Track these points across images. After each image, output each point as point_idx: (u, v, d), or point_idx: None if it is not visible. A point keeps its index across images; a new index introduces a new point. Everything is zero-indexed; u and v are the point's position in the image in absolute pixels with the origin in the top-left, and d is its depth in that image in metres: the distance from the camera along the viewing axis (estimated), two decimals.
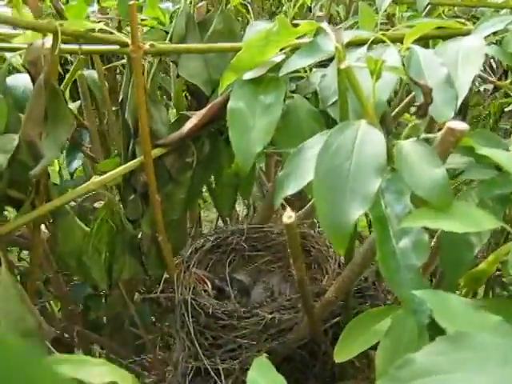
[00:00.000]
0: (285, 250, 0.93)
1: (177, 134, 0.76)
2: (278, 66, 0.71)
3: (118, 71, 1.26)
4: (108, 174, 0.73)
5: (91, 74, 1.01)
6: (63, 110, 0.69)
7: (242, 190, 0.85)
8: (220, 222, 1.14)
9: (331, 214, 0.45)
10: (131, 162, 0.74)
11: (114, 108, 1.15)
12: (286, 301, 0.79)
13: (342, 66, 0.50)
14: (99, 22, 1.00)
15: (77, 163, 1.13)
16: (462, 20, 0.84)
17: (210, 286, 0.83)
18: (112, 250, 0.80)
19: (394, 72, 0.52)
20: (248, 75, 0.69)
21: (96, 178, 0.72)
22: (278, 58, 0.70)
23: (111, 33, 0.69)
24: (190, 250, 0.88)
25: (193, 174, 0.79)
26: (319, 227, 0.95)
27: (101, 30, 0.68)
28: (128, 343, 0.92)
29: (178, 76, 0.85)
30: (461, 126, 0.50)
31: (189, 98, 1.00)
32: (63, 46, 0.70)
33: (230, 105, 0.67)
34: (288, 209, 0.48)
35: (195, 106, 0.93)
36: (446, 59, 0.58)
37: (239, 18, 1.10)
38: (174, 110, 1.05)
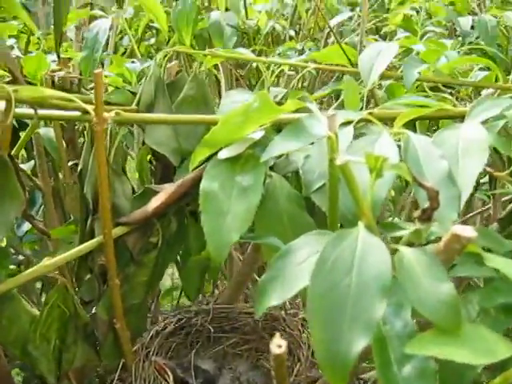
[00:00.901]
0: (253, 331, 0.86)
1: (141, 212, 0.68)
2: (256, 143, 0.65)
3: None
4: (62, 257, 0.65)
5: (47, 132, 0.93)
6: (13, 185, 0.61)
7: (211, 271, 0.77)
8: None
9: (328, 343, 0.38)
10: (89, 243, 0.66)
11: (70, 163, 1.08)
12: None
13: (339, 162, 0.44)
14: (59, 78, 0.93)
15: (27, 226, 1.04)
16: (447, 96, 0.81)
17: (171, 377, 0.75)
18: (63, 337, 0.71)
19: (395, 170, 0.46)
20: (224, 153, 0.62)
21: (48, 260, 0.64)
22: (257, 135, 0.64)
23: (71, 100, 0.62)
24: (150, 334, 0.79)
25: (157, 254, 0.71)
26: (290, 308, 0.88)
27: (60, 98, 0.60)
28: None
29: (143, 144, 0.78)
30: (467, 232, 0.44)
31: (153, 162, 0.94)
32: (17, 111, 0.62)
33: (202, 186, 0.61)
34: (277, 335, 0.41)
35: (160, 174, 0.86)
36: (444, 151, 0.53)
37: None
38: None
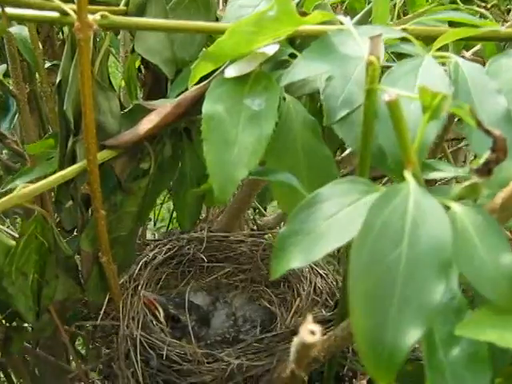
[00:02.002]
0: (250, 261, 0.79)
1: (130, 134, 0.59)
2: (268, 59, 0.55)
3: None
4: (37, 185, 0.56)
5: (20, 31, 0.81)
6: None
7: (208, 197, 0.69)
8: None
9: (371, 331, 0.31)
10: (70, 169, 0.57)
11: (47, 65, 0.96)
12: (256, 342, 0.65)
13: (388, 98, 0.35)
14: None
15: None
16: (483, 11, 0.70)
17: (162, 314, 0.69)
18: (42, 271, 0.63)
19: (456, 112, 0.37)
20: (231, 71, 0.52)
21: (23, 189, 0.55)
22: (271, 49, 0.54)
23: None
24: (138, 265, 0.72)
25: (148, 182, 0.62)
26: None
27: None
28: (59, 376, 0.77)
29: (132, 51, 0.67)
30: None
31: (142, 71, 0.83)
32: None
33: (205, 109, 0.51)
34: (309, 318, 0.33)
35: (150, 84, 0.76)
36: (501, 84, 0.44)
37: None
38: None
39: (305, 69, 0.46)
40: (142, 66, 0.80)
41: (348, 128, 0.51)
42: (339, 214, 0.38)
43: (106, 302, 0.69)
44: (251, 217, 0.82)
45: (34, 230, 0.60)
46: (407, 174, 0.36)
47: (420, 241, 0.32)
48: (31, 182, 0.87)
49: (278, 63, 0.58)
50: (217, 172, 0.49)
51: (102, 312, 0.68)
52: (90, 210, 0.63)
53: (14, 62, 0.85)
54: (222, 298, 0.78)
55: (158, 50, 0.66)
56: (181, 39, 0.67)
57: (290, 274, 0.78)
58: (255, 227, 0.82)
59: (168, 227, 1.04)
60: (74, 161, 0.60)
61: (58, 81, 0.60)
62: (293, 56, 0.57)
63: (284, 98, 0.54)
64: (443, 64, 0.49)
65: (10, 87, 0.88)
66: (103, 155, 0.58)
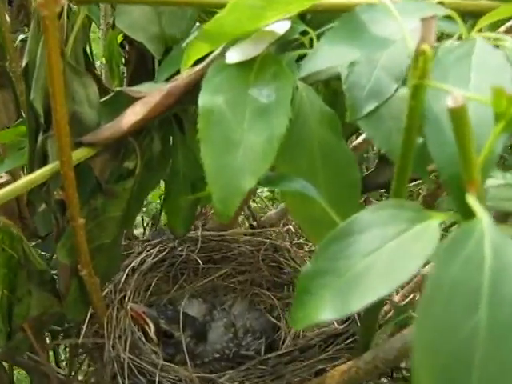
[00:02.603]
0: (249, 262, 0.71)
1: (112, 129, 0.49)
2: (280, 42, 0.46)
3: None
4: (3, 191, 0.46)
5: None
6: None
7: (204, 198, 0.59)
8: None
9: None
10: (40, 172, 0.47)
11: (21, 38, 0.86)
12: (260, 363, 0.57)
13: (453, 103, 0.26)
14: None
15: None
16: None
17: (152, 329, 0.60)
18: (12, 287, 0.54)
19: None
20: (233, 56, 0.43)
21: None
22: (281, 27, 0.44)
23: None
24: (125, 273, 0.63)
25: (134, 183, 0.53)
26: (297, 236, 0.73)
27: None
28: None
29: (113, 26, 0.57)
30: None
31: (126, 47, 0.73)
32: None
33: (202, 101, 0.42)
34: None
35: (135, 63, 0.66)
36: None
37: None
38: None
39: (329, 55, 0.37)
40: (124, 42, 0.70)
41: (376, 125, 0.42)
42: (381, 250, 0.30)
43: (88, 316, 0.60)
44: (251, 212, 0.73)
45: (0, 242, 0.51)
46: (472, 201, 0.28)
47: (503, 304, 0.24)
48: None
49: (285, 43, 0.48)
50: (217, 181, 0.40)
51: (84, 327, 0.59)
52: (66, 216, 0.54)
53: None
54: (219, 306, 0.70)
55: (143, 25, 0.56)
56: (170, 12, 0.57)
57: (295, 275, 0.70)
58: (255, 224, 0.73)
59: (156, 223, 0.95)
60: (45, 160, 0.51)
61: (24, 64, 0.50)
62: (304, 34, 0.48)
63: (296, 87, 0.45)
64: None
65: None
66: (80, 154, 0.49)
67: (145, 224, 1.26)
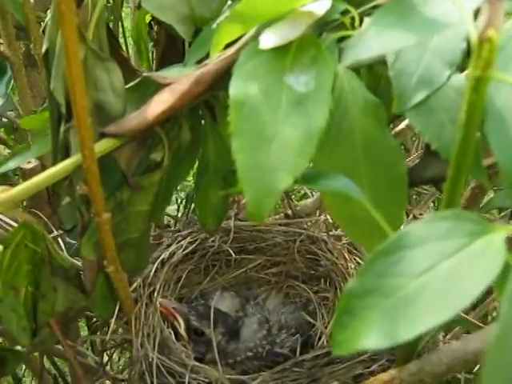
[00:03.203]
0: (284, 253, 0.68)
1: (137, 119, 0.46)
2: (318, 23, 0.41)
3: None
4: (20, 188, 0.44)
5: None
6: None
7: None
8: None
9: None
10: (60, 166, 0.45)
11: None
12: (295, 365, 0.54)
13: None
14: None
15: None
16: None
17: (182, 325, 0.57)
18: (36, 283, 0.52)
19: None
20: (267, 39, 0.39)
21: (2, 191, 0.43)
22: (321, 7, 0.40)
23: None
24: (154, 265, 0.61)
25: (162, 176, 0.50)
26: (334, 227, 0.69)
27: None
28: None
29: (139, 6, 0.53)
30: None
31: (154, 28, 0.69)
32: None
33: (233, 90, 0.38)
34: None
35: (164, 45, 0.63)
36: None
37: None
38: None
39: (378, 40, 0.33)
40: (153, 22, 0.67)
41: (426, 117, 0.38)
42: (437, 269, 0.26)
43: (116, 311, 0.58)
44: (286, 201, 0.70)
45: (22, 238, 0.49)
46: None
47: None
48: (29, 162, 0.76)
49: (323, 24, 0.44)
50: (250, 180, 0.37)
51: (112, 322, 0.57)
52: (91, 210, 0.52)
53: (3, 17, 0.72)
54: (252, 299, 0.67)
55: (172, 5, 0.52)
56: None
57: (332, 268, 0.66)
58: (290, 213, 0.70)
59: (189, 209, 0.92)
60: (67, 151, 0.48)
61: (43, 50, 0.47)
62: (345, 13, 0.43)
63: (336, 73, 0.41)
64: None
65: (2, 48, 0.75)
66: (103, 146, 0.46)
67: (179, 201, 1.23)
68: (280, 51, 0.39)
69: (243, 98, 0.38)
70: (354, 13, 0.43)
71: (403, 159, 0.41)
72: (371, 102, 0.41)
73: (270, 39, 0.39)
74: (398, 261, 0.27)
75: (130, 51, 1.03)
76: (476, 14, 0.32)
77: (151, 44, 0.72)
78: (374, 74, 0.47)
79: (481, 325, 0.58)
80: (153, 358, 0.53)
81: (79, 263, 0.63)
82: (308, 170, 0.38)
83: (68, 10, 0.35)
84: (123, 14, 1.16)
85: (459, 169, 0.31)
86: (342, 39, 0.43)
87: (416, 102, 0.37)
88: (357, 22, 0.43)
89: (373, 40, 0.33)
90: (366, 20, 0.43)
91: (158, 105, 0.45)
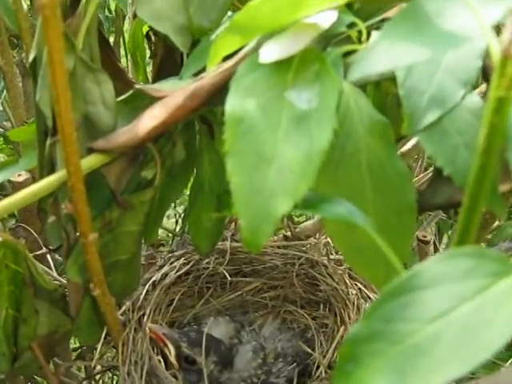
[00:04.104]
0: (282, 277, 0.64)
1: (127, 135, 0.43)
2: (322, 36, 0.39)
3: None
4: (2, 204, 0.41)
5: None
6: None
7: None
8: None
9: None
10: (44, 183, 0.42)
11: None
12: None
13: None
14: None
15: None
16: None
17: (173, 352, 0.54)
18: (17, 305, 0.49)
19: None
20: (268, 53, 0.36)
21: None
22: (326, 19, 0.37)
23: None
24: (145, 289, 0.58)
25: (153, 195, 0.47)
26: (335, 250, 0.66)
27: None
28: None
29: (135, 16, 0.51)
30: None
31: (152, 38, 0.66)
32: None
33: (230, 105, 0.35)
34: None
35: (161, 56, 0.60)
36: None
37: None
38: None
39: (390, 54, 0.30)
40: (150, 33, 0.64)
41: (440, 140, 0.35)
42: (454, 314, 0.23)
43: (104, 333, 0.55)
44: (285, 222, 0.67)
45: (2, 257, 0.46)
46: None
47: None
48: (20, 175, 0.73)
49: (327, 37, 0.42)
50: (246, 203, 0.34)
51: (98, 348, 0.54)
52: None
53: None
54: (248, 325, 0.63)
55: (168, 14, 0.49)
56: (198, 0, 0.51)
57: (333, 293, 0.63)
58: (289, 235, 0.67)
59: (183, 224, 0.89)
60: (54, 167, 0.45)
61: (30, 59, 0.45)
62: (352, 26, 0.41)
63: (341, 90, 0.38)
64: None
65: None
66: (91, 162, 0.43)
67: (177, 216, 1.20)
68: (281, 65, 0.37)
69: (240, 115, 0.35)
70: (362, 26, 0.40)
71: (412, 185, 0.38)
72: (378, 121, 0.38)
73: (270, 52, 0.36)
74: (409, 303, 0.24)
75: (130, 64, 1.01)
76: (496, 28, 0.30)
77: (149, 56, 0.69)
78: (381, 91, 0.44)
79: None
80: None
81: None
82: (309, 194, 0.35)
83: (52, 15, 0.33)
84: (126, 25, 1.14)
85: (476, 198, 0.28)
86: (347, 54, 0.40)
87: (428, 123, 0.34)
88: (364, 36, 0.40)
89: (384, 53, 0.30)
90: (374, 34, 0.41)
91: (150, 119, 0.42)
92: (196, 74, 0.47)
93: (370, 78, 0.40)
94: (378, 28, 0.42)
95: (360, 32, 0.40)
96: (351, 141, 0.38)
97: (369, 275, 0.40)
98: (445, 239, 1.16)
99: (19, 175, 0.74)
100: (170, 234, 1.00)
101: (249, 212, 0.33)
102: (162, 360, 0.55)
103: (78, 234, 0.49)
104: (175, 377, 0.54)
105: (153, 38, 0.65)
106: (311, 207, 0.35)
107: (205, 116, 0.50)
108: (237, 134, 0.35)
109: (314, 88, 0.36)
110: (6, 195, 1.00)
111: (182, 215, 1.19)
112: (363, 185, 0.37)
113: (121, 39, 0.99)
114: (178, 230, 1.18)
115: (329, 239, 0.66)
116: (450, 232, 1.12)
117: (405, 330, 0.23)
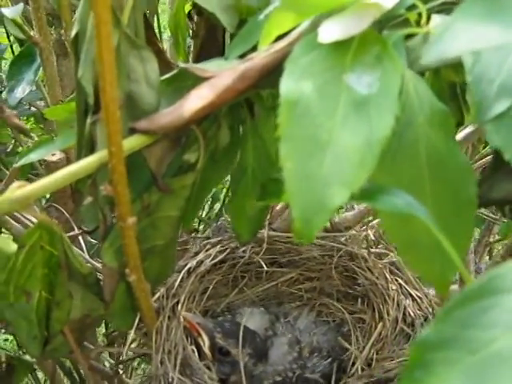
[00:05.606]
0: (319, 268, 0.62)
1: (171, 116, 0.41)
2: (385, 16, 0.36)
3: None
4: (38, 185, 0.39)
5: None
6: None
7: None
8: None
9: None
10: (84, 163, 0.40)
11: None
12: None
13: None
14: None
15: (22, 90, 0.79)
16: None
17: (206, 343, 0.53)
18: (51, 288, 0.48)
19: None
20: (329, 32, 0.34)
21: (17, 190, 0.39)
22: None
23: None
24: (180, 276, 0.56)
25: (195, 180, 0.45)
26: (375, 243, 0.64)
27: None
28: None
29: None
30: None
31: (194, 18, 0.64)
32: None
33: (284, 88, 0.33)
34: None
35: (203, 37, 0.58)
36: None
37: None
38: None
39: (467, 36, 0.27)
40: (193, 12, 0.62)
41: (508, 132, 0.32)
42: None
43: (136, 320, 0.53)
44: None
45: (38, 239, 0.44)
46: None
47: None
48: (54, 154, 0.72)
49: (384, 19, 0.39)
50: (299, 191, 0.32)
51: (131, 333, 0.52)
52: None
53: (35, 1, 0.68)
54: (283, 317, 0.62)
55: None
56: None
57: (371, 288, 0.61)
58: (328, 225, 0.65)
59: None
60: (93, 147, 0.43)
61: (73, 34, 0.43)
62: (411, 9, 0.38)
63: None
64: None
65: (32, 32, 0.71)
66: (132, 143, 0.41)
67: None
68: (340, 46, 0.34)
69: (296, 98, 0.33)
70: (422, 8, 0.37)
71: (474, 179, 0.36)
72: (439, 110, 0.36)
73: (330, 32, 0.34)
74: (489, 308, 0.22)
75: (165, 46, 0.99)
76: None
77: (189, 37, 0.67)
78: (440, 79, 0.42)
79: None
80: (173, 378, 0.49)
81: (100, 265, 0.59)
82: (365, 185, 0.33)
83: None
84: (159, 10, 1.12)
85: None
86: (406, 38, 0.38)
87: (495, 114, 0.32)
88: (424, 19, 0.38)
89: (462, 34, 0.27)
90: (435, 17, 0.39)
91: (197, 100, 0.40)
92: (241, 56, 0.45)
93: (429, 64, 0.38)
94: (438, 11, 0.40)
95: (420, 15, 0.38)
96: (410, 130, 0.36)
97: (423, 271, 0.37)
98: (476, 234, 1.13)
99: (53, 154, 0.73)
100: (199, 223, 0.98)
101: (302, 201, 0.31)
102: (195, 350, 0.54)
103: (115, 216, 0.47)
104: (209, 368, 0.53)
105: (195, 17, 0.64)
106: (368, 198, 0.33)
107: (248, 98, 0.48)
108: (291, 117, 0.33)
109: (375, 72, 0.34)
110: (36, 174, 0.99)
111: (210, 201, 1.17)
112: (422, 177, 0.35)
113: (154, 23, 0.98)
114: (204, 216, 1.16)
115: (369, 231, 0.64)
116: (482, 227, 1.09)
117: (484, 338, 0.21)
